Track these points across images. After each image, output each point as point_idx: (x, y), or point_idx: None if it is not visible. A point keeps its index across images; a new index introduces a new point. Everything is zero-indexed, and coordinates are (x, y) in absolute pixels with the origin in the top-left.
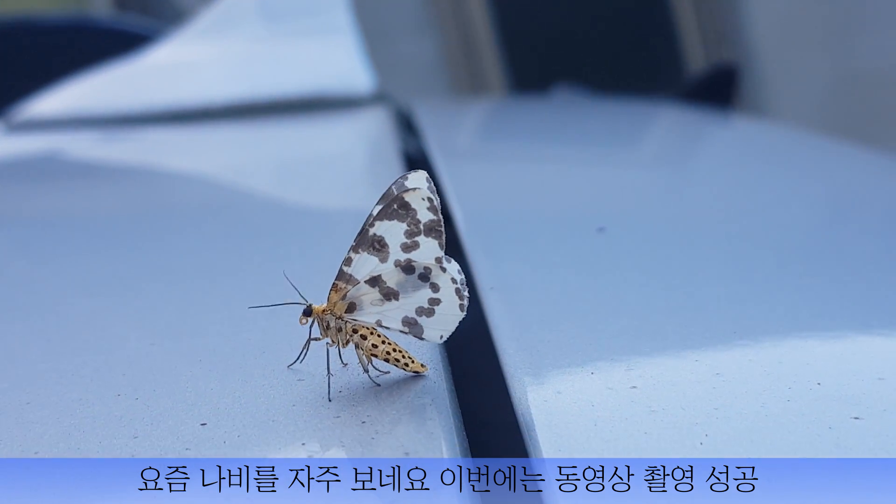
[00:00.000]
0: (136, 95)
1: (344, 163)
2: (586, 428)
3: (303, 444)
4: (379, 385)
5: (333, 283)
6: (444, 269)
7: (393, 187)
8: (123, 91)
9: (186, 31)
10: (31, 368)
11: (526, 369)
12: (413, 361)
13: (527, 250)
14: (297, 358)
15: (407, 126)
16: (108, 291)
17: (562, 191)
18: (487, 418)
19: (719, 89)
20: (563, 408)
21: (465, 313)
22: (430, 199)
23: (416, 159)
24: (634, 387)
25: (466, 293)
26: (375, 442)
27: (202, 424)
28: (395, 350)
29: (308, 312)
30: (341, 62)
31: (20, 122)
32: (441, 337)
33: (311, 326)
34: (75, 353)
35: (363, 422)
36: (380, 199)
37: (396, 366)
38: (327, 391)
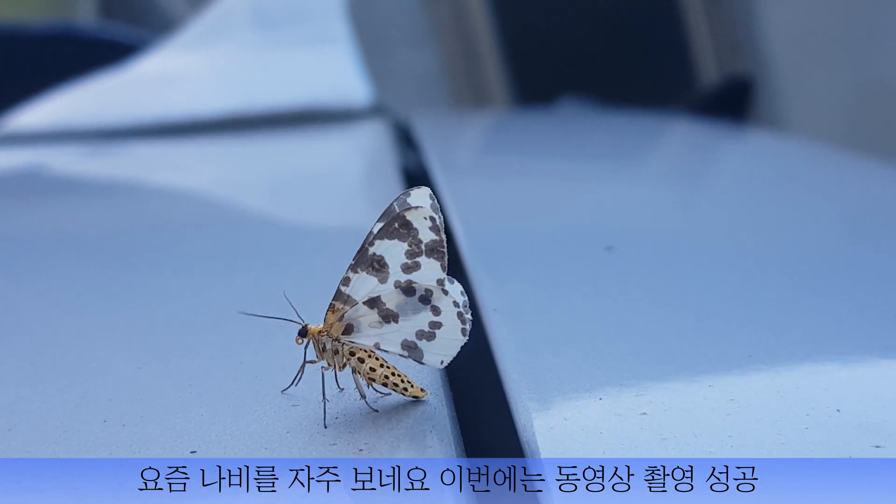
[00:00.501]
0: (123, 108)
1: (340, 179)
2: (594, 456)
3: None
4: (377, 411)
5: (330, 304)
6: (445, 292)
7: (395, 204)
8: (110, 103)
9: (175, 40)
10: (12, 393)
11: (531, 395)
12: (412, 386)
13: (531, 270)
14: (293, 382)
15: (406, 140)
16: (94, 312)
17: (568, 208)
18: (490, 446)
19: (733, 102)
20: (569, 435)
21: (467, 338)
22: (432, 218)
23: (415, 175)
24: (644, 413)
25: (469, 316)
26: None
27: (192, 452)
28: (393, 374)
29: (304, 333)
30: (337, 73)
31: (1, 135)
32: (441, 362)
33: (305, 348)
34: (58, 376)
35: (360, 449)
36: (381, 217)
37: (395, 390)
38: (323, 417)
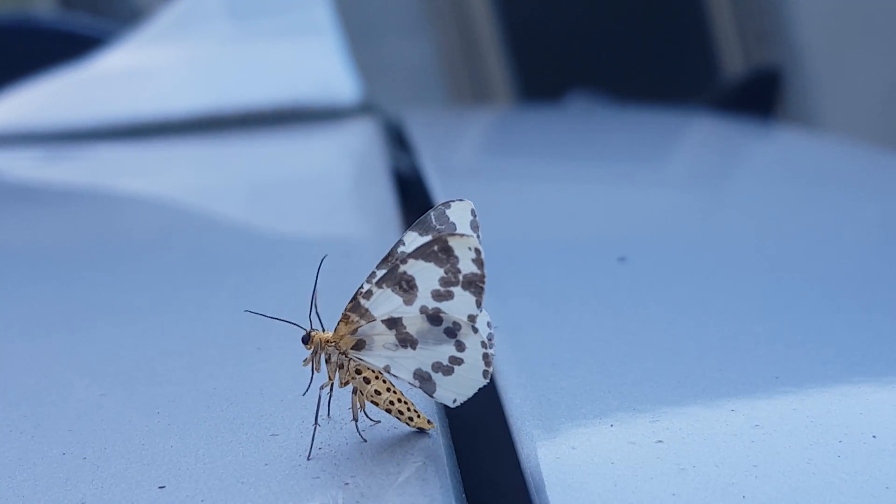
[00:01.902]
0: (85, 107)
1: (325, 184)
2: (605, 489)
3: None
4: (365, 441)
5: (345, 314)
6: (475, 330)
7: (432, 216)
8: (71, 102)
9: (143, 32)
10: None
11: (535, 421)
12: (419, 416)
13: (536, 284)
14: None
15: (398, 140)
16: (52, 333)
17: (577, 215)
18: (492, 479)
19: (760, 96)
20: (578, 466)
21: (487, 381)
22: (477, 251)
23: (408, 179)
24: (660, 441)
25: (493, 357)
26: None
27: (160, 487)
28: (399, 400)
29: (307, 340)
30: (322, 67)
31: None
32: (454, 401)
33: (312, 358)
34: (13, 404)
35: (346, 483)
36: (414, 225)
37: (399, 418)
38: (310, 446)
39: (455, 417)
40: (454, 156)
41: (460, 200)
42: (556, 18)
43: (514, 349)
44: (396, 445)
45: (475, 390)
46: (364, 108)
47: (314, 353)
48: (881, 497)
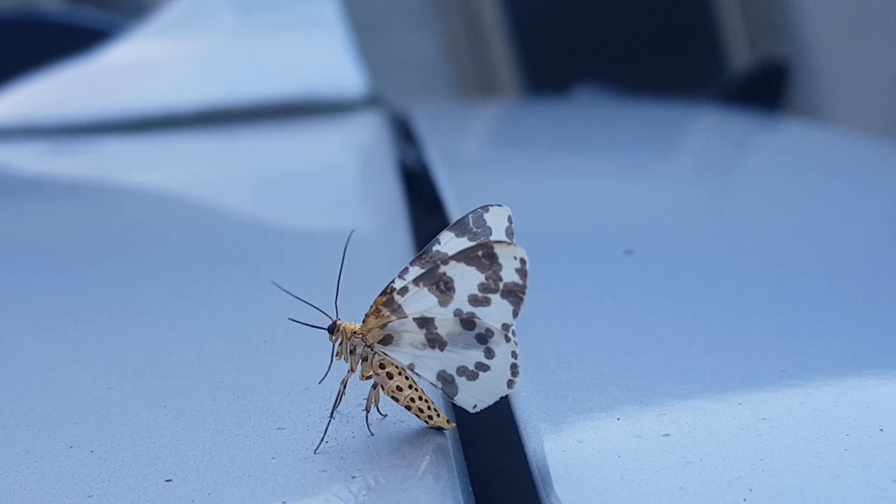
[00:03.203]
0: (91, 100)
1: (331, 177)
2: (612, 482)
3: (283, 502)
4: (372, 434)
5: (377, 307)
6: (508, 339)
7: (470, 220)
8: (77, 95)
9: (149, 25)
10: None
11: (541, 415)
12: (438, 415)
13: (542, 276)
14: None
15: (404, 133)
16: (59, 326)
17: (583, 207)
18: (498, 472)
19: (767, 88)
20: (584, 459)
21: (511, 391)
22: (522, 261)
23: (414, 172)
24: (667, 434)
25: (520, 369)
26: (367, 500)
27: (167, 481)
28: (421, 398)
29: (332, 330)
30: (328, 60)
31: None
32: (475, 406)
33: (335, 346)
34: (20, 398)
35: (353, 476)
36: (451, 226)
37: (418, 416)
38: (322, 436)
39: (462, 410)
40: (461, 149)
41: (499, 206)
42: (562, 11)
43: (521, 342)
44: (403, 439)
45: (497, 398)
46: (370, 101)
47: (340, 343)
48: (888, 490)
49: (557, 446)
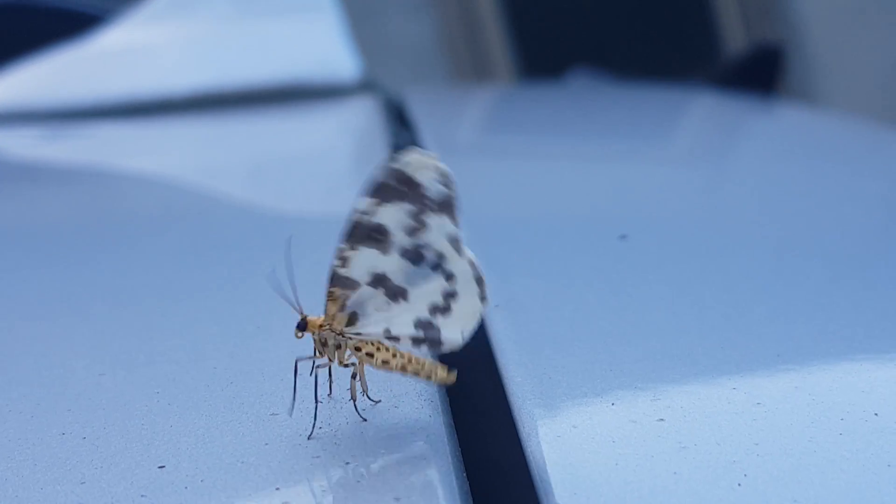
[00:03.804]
0: (85, 85)
1: (325, 162)
2: (606, 468)
3: (277, 488)
4: (365, 420)
5: (329, 292)
6: (459, 251)
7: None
8: (70, 80)
9: (144, 10)
10: None
11: (536, 400)
12: (436, 370)
13: (537, 262)
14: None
15: (398, 118)
16: (51, 313)
17: (578, 192)
18: (492, 457)
19: (761, 73)
20: (579, 445)
21: (487, 302)
22: (437, 169)
23: None
24: (662, 419)
25: (485, 276)
26: (361, 486)
27: (160, 467)
28: (410, 361)
29: (303, 326)
30: (322, 44)
31: None
32: (462, 334)
33: (317, 347)
34: (13, 385)
35: (347, 462)
36: (365, 189)
37: (418, 376)
38: (312, 424)
39: (456, 396)
40: (455, 134)
41: (405, 151)
42: None
43: (516, 327)
44: (397, 425)
45: (479, 317)
46: (364, 86)
47: (315, 339)
48: (883, 475)
49: (552, 431)
